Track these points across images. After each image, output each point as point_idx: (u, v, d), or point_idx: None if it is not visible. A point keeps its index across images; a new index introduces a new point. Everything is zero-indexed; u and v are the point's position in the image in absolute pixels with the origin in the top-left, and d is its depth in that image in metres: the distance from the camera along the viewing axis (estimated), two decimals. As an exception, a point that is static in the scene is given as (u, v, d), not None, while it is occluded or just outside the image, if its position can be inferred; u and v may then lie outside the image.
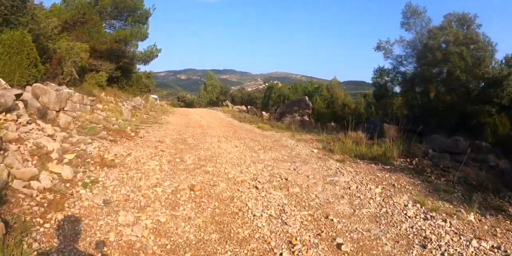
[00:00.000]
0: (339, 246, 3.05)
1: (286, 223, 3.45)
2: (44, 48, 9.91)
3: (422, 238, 3.27)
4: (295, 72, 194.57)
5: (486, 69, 10.63)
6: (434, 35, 11.45)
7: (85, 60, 12.13)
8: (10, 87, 6.31)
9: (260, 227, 3.36)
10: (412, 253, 2.98)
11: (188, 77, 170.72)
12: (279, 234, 3.24)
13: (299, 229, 3.35)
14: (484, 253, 2.99)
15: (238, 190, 4.35)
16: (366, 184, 4.83)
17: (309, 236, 3.22)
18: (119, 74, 15.71)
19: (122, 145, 6.34)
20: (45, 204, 3.42)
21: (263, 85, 43.51)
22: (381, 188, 4.65)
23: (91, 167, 4.70)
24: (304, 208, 3.90)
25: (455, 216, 3.77)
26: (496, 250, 3.04)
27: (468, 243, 3.14)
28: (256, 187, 4.47)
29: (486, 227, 3.54)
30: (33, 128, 5.18)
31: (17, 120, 5.12)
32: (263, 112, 17.54)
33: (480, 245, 3.11)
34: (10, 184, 3.48)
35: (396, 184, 4.86)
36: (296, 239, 3.13)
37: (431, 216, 3.74)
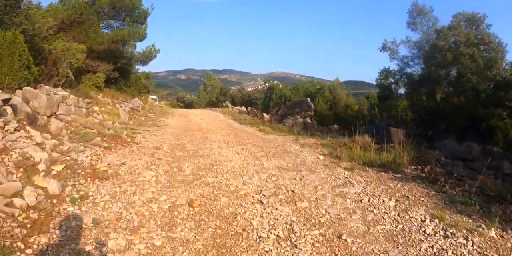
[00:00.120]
0: (356, 274, 2.72)
1: (296, 246, 3.10)
2: (39, 49, 9.56)
3: (445, 260, 2.94)
4: (295, 72, 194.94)
5: (497, 71, 10.28)
6: (444, 35, 11.05)
7: (82, 61, 11.78)
8: (-1, 91, 5.96)
9: (267, 252, 3.01)
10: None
11: (188, 77, 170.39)
12: (289, 260, 2.89)
13: (311, 254, 3.01)
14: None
15: (241, 205, 4.00)
16: (379, 196, 4.50)
17: (323, 262, 2.87)
18: (117, 75, 15.34)
19: (117, 152, 5.99)
20: (28, 225, 3.08)
21: (263, 85, 43.13)
22: (395, 201, 4.33)
23: (81, 179, 4.34)
24: (314, 226, 3.56)
25: (476, 232, 3.49)
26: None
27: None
28: (261, 202, 4.12)
29: (509, 245, 3.27)
30: (20, 136, 4.82)
31: (3, 127, 4.75)
32: (264, 114, 17.16)
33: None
34: (-11, 202, 3.14)
35: (410, 196, 4.54)
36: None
37: (451, 233, 3.46)
